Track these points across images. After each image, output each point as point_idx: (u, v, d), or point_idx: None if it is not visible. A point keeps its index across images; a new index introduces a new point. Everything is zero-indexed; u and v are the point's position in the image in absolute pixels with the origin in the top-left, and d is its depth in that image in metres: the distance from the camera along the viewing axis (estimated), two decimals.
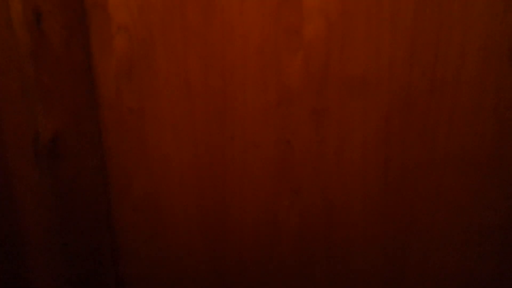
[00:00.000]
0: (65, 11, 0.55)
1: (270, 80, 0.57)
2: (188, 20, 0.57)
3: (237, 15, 0.56)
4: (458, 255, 0.61)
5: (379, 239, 0.61)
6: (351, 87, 0.55)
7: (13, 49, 0.52)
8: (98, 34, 0.60)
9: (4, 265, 0.57)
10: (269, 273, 0.67)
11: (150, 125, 0.64)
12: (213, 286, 0.69)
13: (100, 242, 0.65)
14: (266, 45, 0.56)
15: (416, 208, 0.59)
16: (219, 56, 0.58)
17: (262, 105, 0.58)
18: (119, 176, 0.66)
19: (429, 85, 0.54)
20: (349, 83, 0.55)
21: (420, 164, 0.57)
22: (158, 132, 0.64)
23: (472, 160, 0.56)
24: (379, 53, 0.54)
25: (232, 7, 0.55)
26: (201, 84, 0.59)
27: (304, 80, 0.56)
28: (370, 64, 0.54)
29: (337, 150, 0.59)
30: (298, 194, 0.62)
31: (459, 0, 0.51)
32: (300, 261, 0.65)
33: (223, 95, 0.59)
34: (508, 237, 0.59)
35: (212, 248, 0.68)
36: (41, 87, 0.54)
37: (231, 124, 0.60)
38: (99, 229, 0.65)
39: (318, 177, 0.60)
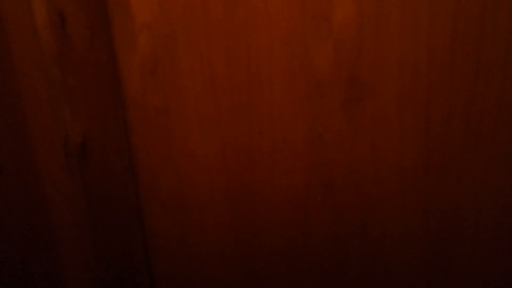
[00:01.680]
0: (87, 12, 0.54)
1: (298, 71, 0.54)
2: (211, 14, 0.55)
3: (261, 4, 0.53)
4: (505, 254, 0.56)
5: (419, 238, 0.57)
6: (385, 75, 0.52)
7: (38, 53, 0.52)
8: (121, 33, 0.59)
9: (38, 268, 0.58)
10: (302, 273, 0.65)
11: (176, 122, 0.63)
12: (243, 285, 0.68)
13: (132, 242, 0.65)
14: (293, 34, 0.53)
15: (460, 206, 0.55)
16: (243, 49, 0.55)
17: (290, 97, 0.55)
18: (147, 176, 0.66)
19: (474, 69, 0.50)
20: (383, 71, 0.51)
21: (464, 159, 0.53)
22: (184, 130, 0.62)
23: None
24: (417, 36, 0.50)
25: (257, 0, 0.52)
26: (226, 79, 0.57)
27: (334, 70, 0.53)
28: (407, 49, 0.50)
29: (372, 143, 0.55)
30: (331, 190, 0.59)
31: None
32: (334, 260, 0.63)
33: (249, 89, 0.57)
34: None
35: (242, 247, 0.66)
36: (68, 90, 0.54)
37: (259, 118, 0.58)
38: (130, 229, 0.65)
39: (353, 172, 0.57)
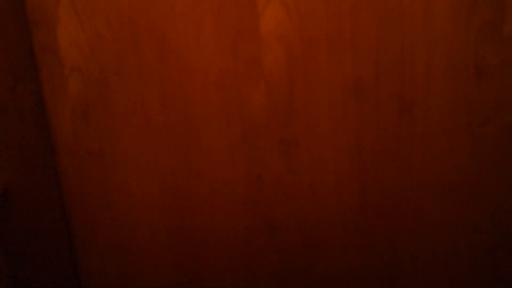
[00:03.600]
0: (10, 59, 0.51)
1: (233, 113, 0.54)
2: (143, 57, 0.54)
3: (193, 48, 0.53)
4: (446, 279, 0.58)
5: (362, 274, 0.58)
6: (318, 116, 0.53)
7: None
8: (50, 78, 0.57)
9: None
10: None
11: (112, 167, 0.60)
12: None
13: None
14: (226, 78, 0.53)
15: (397, 237, 0.56)
16: (177, 91, 0.55)
17: (227, 139, 0.55)
18: (82, 224, 0.62)
19: (398, 107, 0.52)
20: (315, 112, 0.53)
21: (397, 194, 0.54)
22: (121, 174, 0.60)
23: (450, 183, 0.53)
24: (344, 78, 0.52)
25: (187, 42, 0.52)
26: (161, 122, 0.56)
27: (268, 112, 0.54)
28: (335, 90, 0.52)
29: (310, 182, 0.55)
30: (273, 230, 0.58)
31: (421, 18, 0.50)
32: None
33: (185, 131, 0.56)
34: (496, 258, 0.56)
35: None
36: None
37: (197, 161, 0.57)
38: (64, 278, 0.61)
39: (293, 212, 0.57)
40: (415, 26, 0.50)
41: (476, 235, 0.55)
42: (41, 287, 0.59)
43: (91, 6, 0.54)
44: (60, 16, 0.56)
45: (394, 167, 0.54)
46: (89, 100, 0.58)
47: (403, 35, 0.50)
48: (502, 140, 0.52)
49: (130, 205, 0.61)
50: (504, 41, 0.49)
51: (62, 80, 0.57)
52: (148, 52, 0.54)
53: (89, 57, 0.56)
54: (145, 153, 0.58)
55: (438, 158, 0.53)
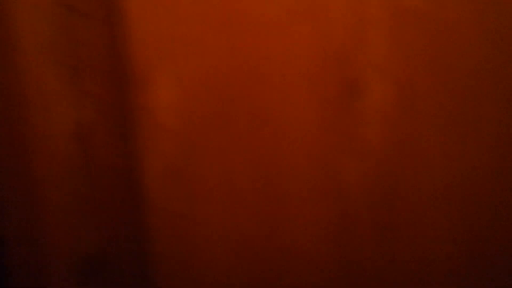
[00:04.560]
0: (110, 121, 0.53)
1: (327, 191, 0.50)
2: (235, 124, 0.53)
3: (288, 121, 0.50)
4: None
5: None
6: (422, 204, 0.47)
7: (58, 162, 0.51)
8: (143, 137, 0.58)
9: None
10: None
11: (197, 229, 0.58)
12: None
13: None
14: (321, 153, 0.49)
15: None
16: (268, 162, 0.52)
17: (321, 219, 0.51)
18: (164, 282, 0.62)
19: None
20: (420, 199, 0.47)
21: None
22: (205, 238, 0.58)
23: None
24: (461, 159, 0.45)
25: (282, 112, 0.50)
26: (249, 192, 0.54)
27: (366, 192, 0.49)
28: (450, 174, 0.46)
29: (411, 273, 0.49)
30: None
31: None
32: None
33: (274, 205, 0.53)
34: None
35: None
36: (86, 201, 0.52)
37: (283, 239, 0.53)
38: None
39: None
40: None
41: None
42: None
43: (190, 70, 0.54)
44: (157, 78, 0.57)
45: None
46: (180, 161, 0.57)
47: None
48: None
49: (210, 270, 0.59)
50: None
51: (156, 140, 0.58)
52: (241, 120, 0.53)
53: (184, 119, 0.56)
54: (229, 221, 0.56)
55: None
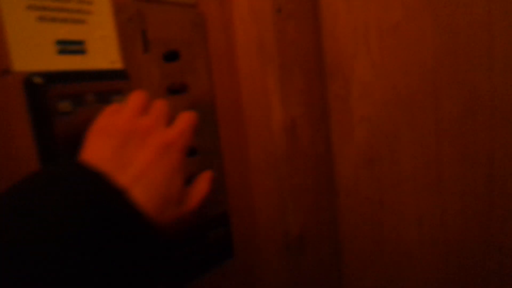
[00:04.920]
0: (312, 112, 0.56)
1: None
2: (442, 113, 0.51)
3: (504, 111, 0.46)
4: None
5: None
6: None
7: (271, 152, 0.57)
8: (339, 125, 0.60)
9: None
10: None
11: (389, 216, 0.59)
12: None
13: None
14: None
15: None
16: (484, 155, 0.49)
17: None
18: (352, 265, 0.65)
19: None
20: None
21: None
22: (399, 226, 0.59)
23: None
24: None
25: (496, 105, 0.45)
26: (457, 182, 0.52)
27: None
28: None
29: None
30: None
31: None
32: None
33: (488, 201, 0.50)
34: None
35: None
36: (292, 187, 0.57)
37: (499, 234, 0.50)
38: None
39: None
40: None
41: None
42: None
43: (390, 57, 0.54)
44: (355, 68, 0.58)
45: None
46: (375, 150, 0.58)
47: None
48: None
49: (404, 256, 0.59)
50: None
51: (350, 128, 0.60)
52: (451, 108, 0.50)
53: (380, 108, 0.56)
54: (430, 211, 0.55)
55: None
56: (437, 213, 0.54)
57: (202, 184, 0.32)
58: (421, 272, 0.58)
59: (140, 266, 0.26)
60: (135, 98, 0.31)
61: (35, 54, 0.30)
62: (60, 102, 0.31)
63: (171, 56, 0.41)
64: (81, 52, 0.33)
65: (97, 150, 0.27)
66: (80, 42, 0.33)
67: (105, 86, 0.34)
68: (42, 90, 0.30)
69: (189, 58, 0.43)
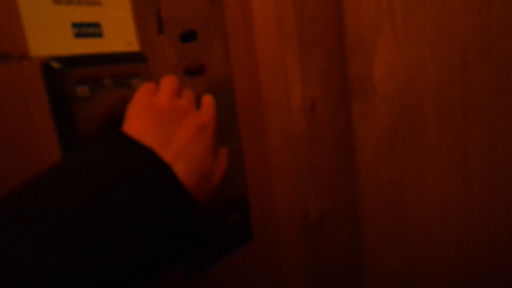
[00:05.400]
0: (332, 91, 0.55)
1: None
2: (473, 90, 0.48)
3: None
4: None
5: None
6: None
7: (290, 134, 0.56)
8: (360, 104, 0.59)
9: None
10: None
11: (410, 197, 0.58)
12: None
13: None
14: None
15: None
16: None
17: None
18: (372, 246, 0.64)
19: None
20: None
21: None
22: (420, 207, 0.58)
23: None
24: None
25: None
26: (484, 163, 0.50)
27: None
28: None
29: None
30: None
31: None
32: None
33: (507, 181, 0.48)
34: None
35: None
36: (311, 168, 0.56)
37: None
38: None
39: None
40: None
41: None
42: None
43: (416, 32, 0.51)
44: (378, 44, 0.56)
45: None
46: (398, 129, 0.56)
47: None
48: None
49: (425, 237, 0.58)
50: None
51: (372, 107, 0.58)
52: (481, 85, 0.48)
53: (404, 86, 0.54)
54: (455, 193, 0.53)
55: None
56: (462, 194, 0.53)
57: (221, 160, 0.34)
58: (445, 253, 0.57)
59: (180, 239, 0.27)
60: (169, 81, 0.32)
61: (52, 38, 0.30)
62: (78, 87, 0.31)
63: (188, 36, 0.40)
64: (98, 35, 0.32)
65: (141, 126, 0.29)
66: (96, 25, 0.32)
67: (123, 69, 0.34)
68: (60, 74, 0.30)
69: (206, 38, 0.42)
